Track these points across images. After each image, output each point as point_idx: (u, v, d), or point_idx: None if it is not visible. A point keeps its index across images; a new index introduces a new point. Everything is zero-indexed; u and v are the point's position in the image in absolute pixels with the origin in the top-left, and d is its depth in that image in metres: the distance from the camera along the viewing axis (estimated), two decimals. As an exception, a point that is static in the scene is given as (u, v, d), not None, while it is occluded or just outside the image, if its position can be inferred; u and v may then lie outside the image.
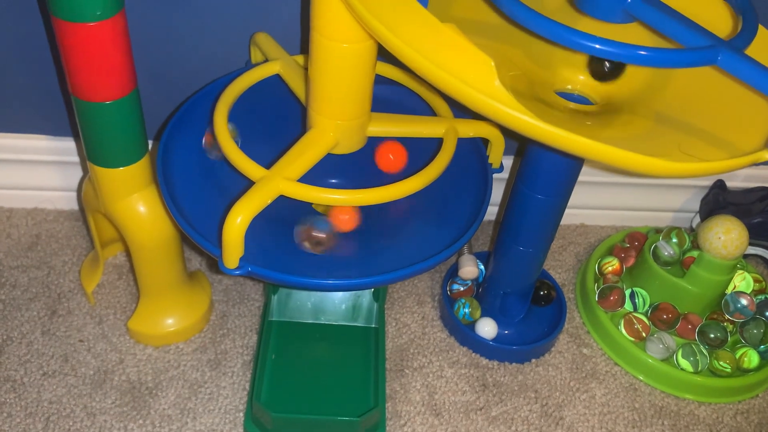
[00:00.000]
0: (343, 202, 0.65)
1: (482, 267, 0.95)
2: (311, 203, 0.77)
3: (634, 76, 0.70)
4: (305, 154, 0.66)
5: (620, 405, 0.86)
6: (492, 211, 1.07)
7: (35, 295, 0.89)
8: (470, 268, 0.91)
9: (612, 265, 0.97)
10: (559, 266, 1.03)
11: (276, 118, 0.82)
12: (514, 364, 0.89)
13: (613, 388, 0.88)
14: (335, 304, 0.88)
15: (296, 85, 0.75)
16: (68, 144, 0.95)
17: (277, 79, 0.78)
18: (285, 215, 0.69)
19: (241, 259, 0.63)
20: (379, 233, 0.75)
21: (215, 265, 0.95)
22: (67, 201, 1.00)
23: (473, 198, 0.76)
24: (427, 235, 0.74)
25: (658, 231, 0.99)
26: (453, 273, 0.96)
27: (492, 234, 1.07)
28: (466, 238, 0.70)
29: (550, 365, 0.89)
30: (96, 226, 0.85)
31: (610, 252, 1.01)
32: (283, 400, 0.77)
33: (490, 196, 0.75)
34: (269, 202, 0.63)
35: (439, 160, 0.68)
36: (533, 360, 0.90)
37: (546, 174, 0.73)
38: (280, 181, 0.63)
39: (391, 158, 0.75)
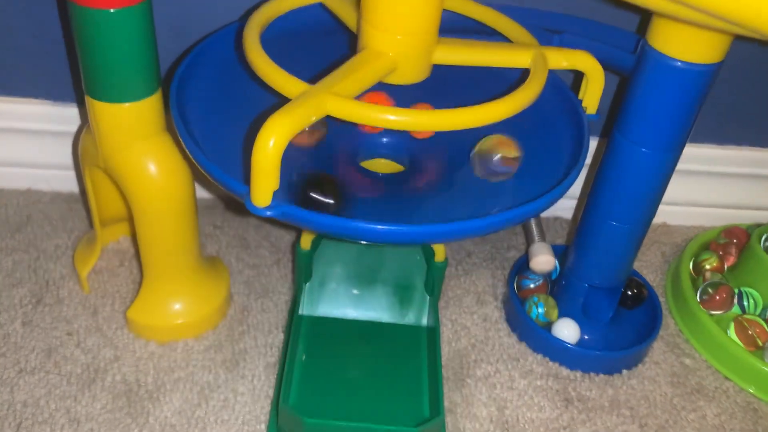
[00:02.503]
0: (412, 126, 0.49)
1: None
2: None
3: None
4: (358, 72, 0.52)
5: (738, 428, 0.68)
6: (569, 206, 0.91)
7: (19, 281, 0.74)
8: (545, 257, 0.75)
9: (711, 262, 0.81)
10: (643, 267, 0.86)
11: (313, 62, 0.67)
12: (601, 375, 0.72)
13: (727, 408, 0.70)
14: (378, 297, 0.72)
15: (343, 9, 0.61)
16: (70, 111, 0.81)
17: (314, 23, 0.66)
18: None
19: (274, 196, 0.48)
20: (444, 183, 0.60)
21: (234, 252, 0.80)
22: (65, 182, 0.86)
23: (564, 149, 0.61)
24: (500, 190, 0.59)
25: (760, 226, 0.83)
26: (521, 268, 0.79)
27: (567, 235, 0.90)
28: (558, 192, 0.55)
29: (645, 378, 0.72)
30: (94, 190, 0.70)
31: (706, 248, 0.85)
32: (316, 404, 0.61)
33: (587, 146, 0.59)
34: (312, 120, 0.48)
35: (530, 86, 0.53)
36: (624, 371, 0.72)
37: (655, 114, 0.58)
38: (327, 96, 0.48)
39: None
